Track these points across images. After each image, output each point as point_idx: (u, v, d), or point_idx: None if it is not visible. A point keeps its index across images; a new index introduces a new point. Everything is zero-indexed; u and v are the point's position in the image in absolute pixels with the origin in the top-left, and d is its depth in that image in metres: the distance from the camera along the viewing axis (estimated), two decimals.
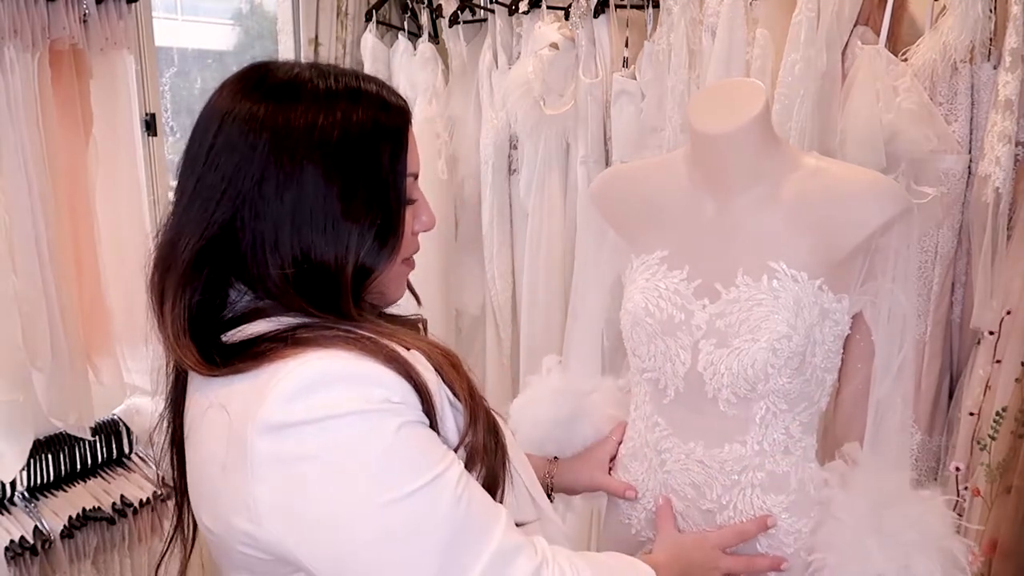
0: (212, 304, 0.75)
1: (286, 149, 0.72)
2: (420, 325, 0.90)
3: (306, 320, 0.74)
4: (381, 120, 0.75)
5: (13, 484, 1.93)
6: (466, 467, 0.75)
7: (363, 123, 0.74)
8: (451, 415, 0.77)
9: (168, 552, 0.90)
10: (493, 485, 0.78)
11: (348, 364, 0.70)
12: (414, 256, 0.87)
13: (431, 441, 0.72)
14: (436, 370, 0.76)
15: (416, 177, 0.81)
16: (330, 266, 0.73)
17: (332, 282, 0.74)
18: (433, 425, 0.74)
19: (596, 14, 2.10)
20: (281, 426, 0.67)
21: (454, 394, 0.77)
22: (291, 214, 0.72)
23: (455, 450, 0.75)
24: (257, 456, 0.68)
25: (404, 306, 0.90)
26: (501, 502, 0.78)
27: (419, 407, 0.72)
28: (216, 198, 0.73)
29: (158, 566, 0.94)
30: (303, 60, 2.91)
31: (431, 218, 0.83)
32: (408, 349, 0.75)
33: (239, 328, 0.75)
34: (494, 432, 0.79)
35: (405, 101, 0.80)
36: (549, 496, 1.19)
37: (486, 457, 0.77)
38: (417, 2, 2.58)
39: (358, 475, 0.68)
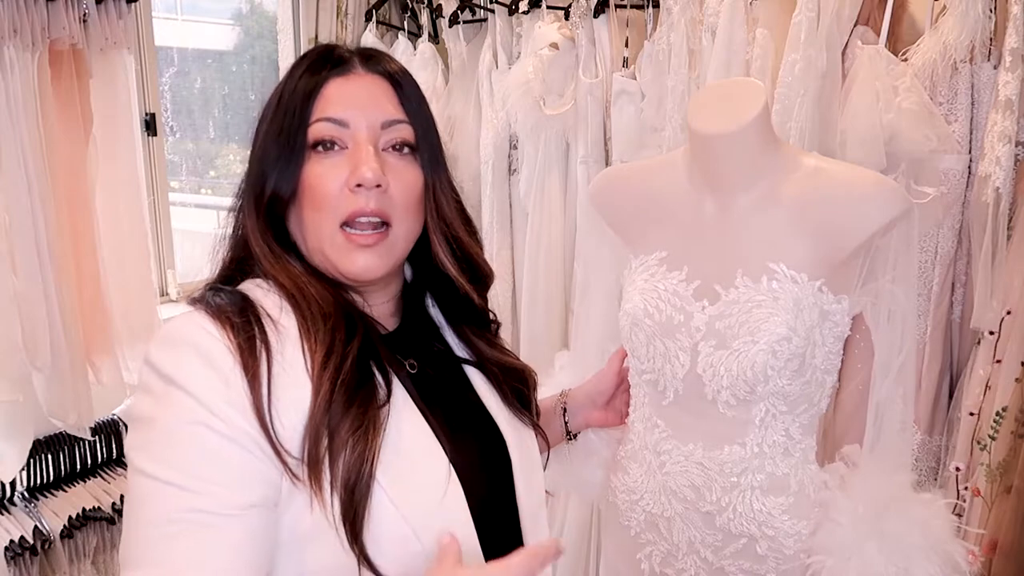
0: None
1: None
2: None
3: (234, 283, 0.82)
4: (292, 78, 0.84)
5: (13, 484, 1.93)
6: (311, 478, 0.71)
7: (279, 89, 0.85)
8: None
9: None
10: (346, 514, 0.71)
11: (214, 346, 0.72)
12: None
13: (211, 460, 0.69)
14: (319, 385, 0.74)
15: (337, 123, 0.81)
16: (254, 185, 0.83)
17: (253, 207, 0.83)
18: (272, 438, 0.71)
19: (596, 14, 2.10)
20: (146, 358, 0.74)
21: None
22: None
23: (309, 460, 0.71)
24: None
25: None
26: (356, 541, 0.71)
27: (249, 418, 0.70)
28: None
29: None
30: None
31: (355, 174, 0.79)
32: (319, 358, 0.75)
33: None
34: (357, 467, 0.72)
35: (327, 63, 0.84)
36: (569, 433, 1.19)
37: (335, 483, 0.71)
38: (417, 2, 2.58)
39: (148, 430, 0.71)
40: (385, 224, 0.81)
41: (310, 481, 0.71)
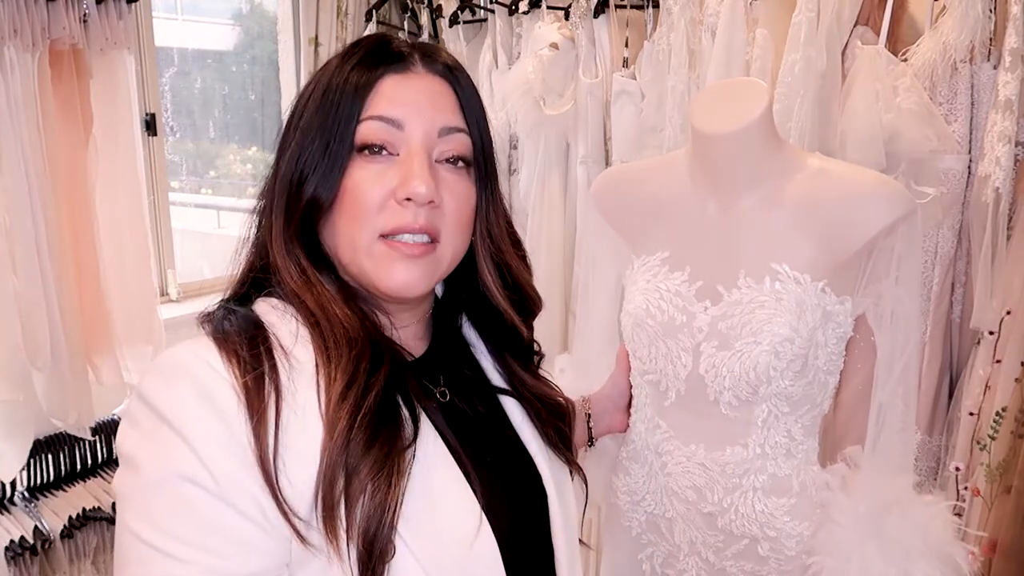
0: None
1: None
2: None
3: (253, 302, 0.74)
4: (341, 70, 0.75)
5: (13, 484, 1.93)
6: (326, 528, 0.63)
7: (324, 79, 0.76)
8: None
9: None
10: (363, 571, 0.63)
11: (215, 382, 0.64)
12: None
13: (200, 526, 0.61)
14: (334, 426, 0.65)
15: (391, 123, 0.73)
16: (288, 187, 0.74)
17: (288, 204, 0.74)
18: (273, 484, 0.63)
19: (596, 14, 2.10)
20: (137, 389, 0.66)
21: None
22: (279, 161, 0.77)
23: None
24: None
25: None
26: None
27: (252, 471, 0.62)
28: None
29: None
30: (303, 61, 2.84)
31: (405, 187, 0.71)
32: (336, 386, 0.66)
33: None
34: (378, 515, 0.64)
35: (384, 57, 0.75)
36: (591, 439, 1.17)
37: (352, 532, 0.63)
38: (417, 2, 2.59)
39: (133, 475, 0.63)
40: (432, 240, 0.74)
41: (325, 528, 0.62)
